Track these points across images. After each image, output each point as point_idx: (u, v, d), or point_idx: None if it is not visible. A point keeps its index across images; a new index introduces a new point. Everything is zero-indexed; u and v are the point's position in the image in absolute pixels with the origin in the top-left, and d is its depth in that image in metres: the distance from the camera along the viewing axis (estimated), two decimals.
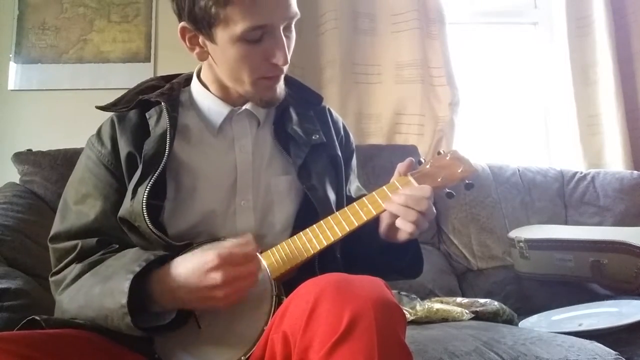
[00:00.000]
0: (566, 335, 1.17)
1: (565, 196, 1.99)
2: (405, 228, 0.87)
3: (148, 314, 0.82)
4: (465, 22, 2.34)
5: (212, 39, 0.89)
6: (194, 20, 0.88)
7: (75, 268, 0.89)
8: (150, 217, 0.86)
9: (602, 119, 2.19)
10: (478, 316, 1.46)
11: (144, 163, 0.90)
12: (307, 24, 1.96)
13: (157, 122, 0.95)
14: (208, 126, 0.99)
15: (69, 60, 2.00)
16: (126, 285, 0.79)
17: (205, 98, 1.00)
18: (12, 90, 1.97)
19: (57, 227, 0.95)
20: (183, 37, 0.93)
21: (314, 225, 0.90)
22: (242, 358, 0.80)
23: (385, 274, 0.79)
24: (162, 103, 0.95)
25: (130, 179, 0.92)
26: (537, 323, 1.45)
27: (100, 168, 0.95)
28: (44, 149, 1.63)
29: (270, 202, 0.97)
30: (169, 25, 2.01)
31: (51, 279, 0.94)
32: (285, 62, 0.90)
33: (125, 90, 1.02)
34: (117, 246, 0.91)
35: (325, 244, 0.88)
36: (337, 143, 1.07)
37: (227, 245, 0.84)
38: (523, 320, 1.48)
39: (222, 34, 0.87)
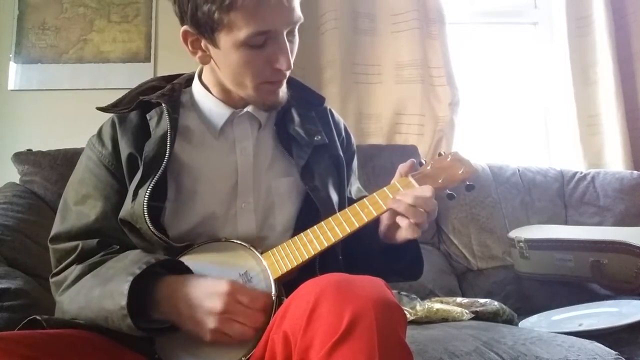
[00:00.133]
0: (566, 335, 1.17)
1: (565, 196, 1.99)
2: (407, 227, 0.87)
3: (147, 317, 0.82)
4: (465, 22, 2.34)
5: (214, 44, 0.88)
6: (196, 24, 0.87)
7: (76, 269, 0.89)
8: (151, 219, 0.86)
9: (602, 119, 2.19)
10: (478, 316, 1.46)
11: (145, 165, 0.90)
12: (307, 24, 1.92)
13: (158, 123, 0.94)
14: (209, 128, 0.99)
15: (69, 60, 2.00)
16: (126, 287, 0.78)
17: (206, 100, 0.99)
18: (12, 90, 1.97)
19: (57, 227, 0.95)
20: (185, 41, 0.92)
21: (315, 226, 0.90)
22: (243, 358, 0.80)
23: (386, 276, 0.79)
24: (163, 104, 0.94)
25: (131, 180, 0.92)
26: (537, 323, 1.45)
27: (100, 169, 0.95)
28: (44, 149, 1.63)
29: (271, 204, 0.96)
30: (169, 25, 2.01)
31: (51, 280, 0.94)
32: (289, 67, 0.90)
33: (126, 91, 1.01)
34: (118, 247, 0.91)
35: (326, 244, 0.88)
36: (338, 144, 1.06)
37: (246, 285, 0.84)
38: (523, 320, 1.48)
39: (225, 39, 0.86)
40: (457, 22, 2.26)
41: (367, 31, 2.09)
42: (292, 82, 1.03)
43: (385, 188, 0.93)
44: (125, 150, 0.93)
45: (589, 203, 1.96)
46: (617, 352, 1.10)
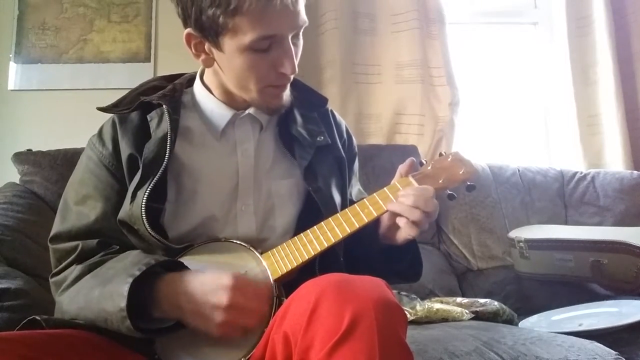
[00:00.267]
0: (566, 335, 1.17)
1: (565, 196, 1.99)
2: (406, 228, 0.87)
3: (148, 317, 0.82)
4: (465, 22, 2.34)
5: (219, 47, 0.88)
6: (200, 28, 0.87)
7: (76, 269, 0.89)
8: (149, 221, 0.85)
9: (602, 119, 2.19)
10: (478, 316, 1.46)
11: (144, 166, 0.89)
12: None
13: (158, 124, 0.94)
14: (211, 129, 0.98)
15: (69, 60, 2.00)
16: (125, 288, 0.78)
17: (208, 101, 0.99)
18: (12, 90, 1.97)
19: (57, 227, 0.95)
20: (188, 43, 0.91)
21: (315, 227, 0.90)
22: (243, 359, 0.80)
23: (385, 277, 0.79)
24: (164, 105, 0.94)
25: (131, 181, 0.91)
26: (537, 323, 1.45)
27: (101, 169, 0.94)
28: (44, 149, 1.63)
29: (272, 206, 0.96)
30: (169, 25, 2.01)
31: (51, 280, 0.93)
32: (294, 72, 0.90)
33: (126, 91, 1.01)
34: (118, 247, 0.91)
35: (326, 245, 0.88)
36: (340, 145, 1.06)
37: (245, 275, 0.84)
38: (523, 320, 1.48)
39: (229, 43, 0.86)
40: (457, 22, 2.26)
41: (367, 31, 2.09)
42: (294, 83, 1.02)
43: (385, 188, 0.93)
44: (125, 150, 0.93)
45: (589, 203, 1.96)
46: (617, 352, 1.10)
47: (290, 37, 0.88)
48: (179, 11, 0.89)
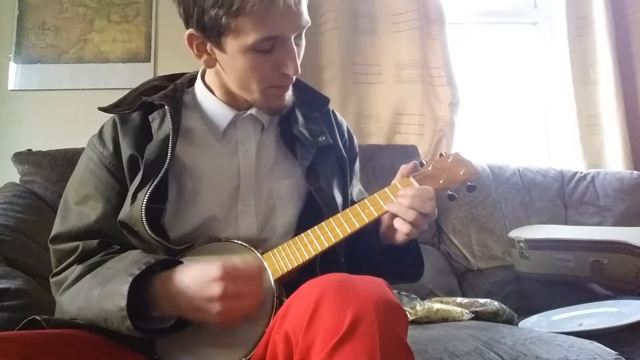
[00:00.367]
0: (566, 335, 1.18)
1: (565, 196, 1.99)
2: (402, 229, 0.87)
3: (148, 317, 0.82)
4: (465, 22, 2.34)
5: (221, 48, 0.88)
6: (202, 28, 0.86)
7: (76, 269, 0.89)
8: (149, 222, 0.85)
9: (602, 119, 2.19)
10: (478, 316, 1.46)
11: (145, 168, 0.89)
12: None
13: (160, 126, 0.93)
14: (212, 130, 0.98)
15: (69, 60, 2.00)
16: (125, 288, 0.78)
17: (209, 101, 0.99)
18: (12, 90, 1.97)
19: (57, 228, 0.95)
20: (190, 44, 0.91)
21: (316, 227, 0.90)
22: (244, 359, 0.80)
23: (386, 277, 0.79)
24: (166, 106, 0.93)
25: (132, 182, 0.91)
26: (537, 323, 1.45)
27: (101, 169, 0.94)
28: (44, 149, 1.63)
29: (273, 206, 0.96)
30: (169, 25, 2.01)
31: (52, 280, 0.93)
32: (296, 72, 0.89)
33: (126, 91, 1.01)
34: (119, 247, 0.91)
35: (327, 245, 0.88)
36: (341, 145, 1.06)
37: (235, 259, 0.83)
38: (523, 320, 1.48)
39: (232, 44, 0.86)
40: (457, 22, 2.26)
41: (367, 31, 2.09)
42: (296, 83, 1.02)
43: (386, 189, 0.93)
44: (126, 151, 0.93)
45: (589, 203, 1.96)
46: (617, 352, 1.10)
47: (292, 38, 0.87)
48: (180, 12, 0.89)
